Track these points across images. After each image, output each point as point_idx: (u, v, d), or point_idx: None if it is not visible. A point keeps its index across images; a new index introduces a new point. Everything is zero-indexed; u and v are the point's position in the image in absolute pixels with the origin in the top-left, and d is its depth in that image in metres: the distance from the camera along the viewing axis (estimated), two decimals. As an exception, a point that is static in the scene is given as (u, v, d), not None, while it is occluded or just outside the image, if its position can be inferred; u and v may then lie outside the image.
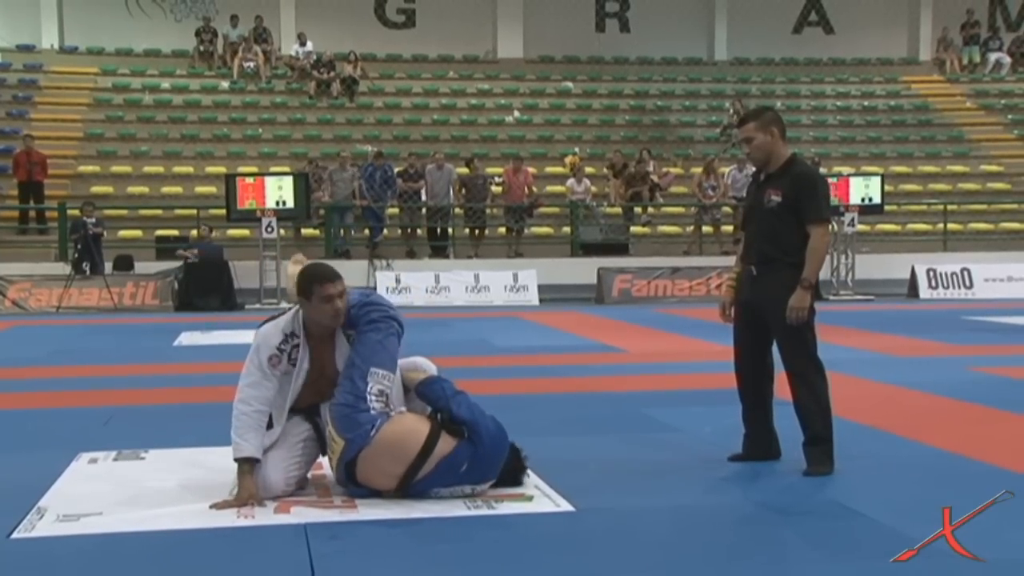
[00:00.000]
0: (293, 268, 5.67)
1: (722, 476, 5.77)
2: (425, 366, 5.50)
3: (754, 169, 6.10)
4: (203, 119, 24.56)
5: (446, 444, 5.05)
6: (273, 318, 5.30)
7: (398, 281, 18.97)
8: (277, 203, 18.18)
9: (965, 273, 20.05)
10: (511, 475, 5.29)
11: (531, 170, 22.05)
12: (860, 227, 19.88)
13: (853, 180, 20.21)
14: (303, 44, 26.13)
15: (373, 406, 5.01)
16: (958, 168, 25.42)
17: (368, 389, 5.02)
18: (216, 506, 4.98)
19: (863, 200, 19.71)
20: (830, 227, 5.93)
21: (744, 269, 5.98)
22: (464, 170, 21.27)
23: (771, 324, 5.78)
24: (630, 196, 21.82)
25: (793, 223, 5.73)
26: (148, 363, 11.03)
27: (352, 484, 5.13)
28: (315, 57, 25.93)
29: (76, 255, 18.02)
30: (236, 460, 5.09)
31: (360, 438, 4.99)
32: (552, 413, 7.65)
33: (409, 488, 5.06)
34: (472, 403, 5.20)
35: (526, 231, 21.39)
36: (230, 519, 4.86)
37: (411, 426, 5.08)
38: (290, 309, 5.32)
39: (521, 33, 28.69)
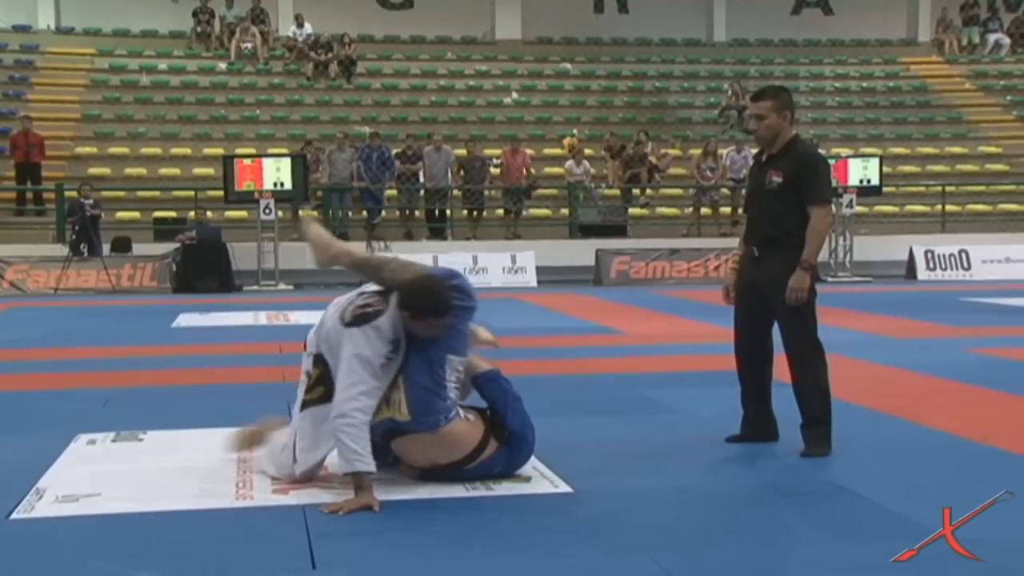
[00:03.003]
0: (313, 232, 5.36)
1: (720, 457, 5.78)
2: (484, 342, 5.50)
3: (755, 151, 6.09)
4: (200, 100, 24.50)
5: (491, 449, 5.10)
6: (369, 316, 4.89)
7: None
8: (275, 185, 18.15)
9: (963, 255, 20.06)
10: None
11: (529, 152, 22.04)
12: (858, 209, 19.86)
13: (851, 162, 20.19)
14: (300, 26, 26.03)
15: (450, 395, 4.97)
16: (957, 149, 25.40)
17: (447, 377, 4.95)
18: (329, 509, 4.67)
19: (861, 182, 19.69)
20: (831, 208, 5.92)
21: (746, 251, 5.98)
22: (462, 152, 21.24)
23: (772, 305, 5.78)
24: (628, 178, 21.80)
25: (794, 204, 5.72)
26: (146, 345, 11.02)
27: (382, 442, 4.96)
28: (313, 38, 25.84)
29: (74, 237, 17.98)
30: (356, 473, 4.72)
31: (429, 425, 4.93)
32: (550, 395, 7.63)
33: (435, 477, 5.08)
34: (523, 411, 5.21)
35: (524, 213, 21.37)
36: (228, 500, 4.88)
37: (470, 429, 5.07)
38: (380, 303, 4.95)
39: (519, 14, 28.60)
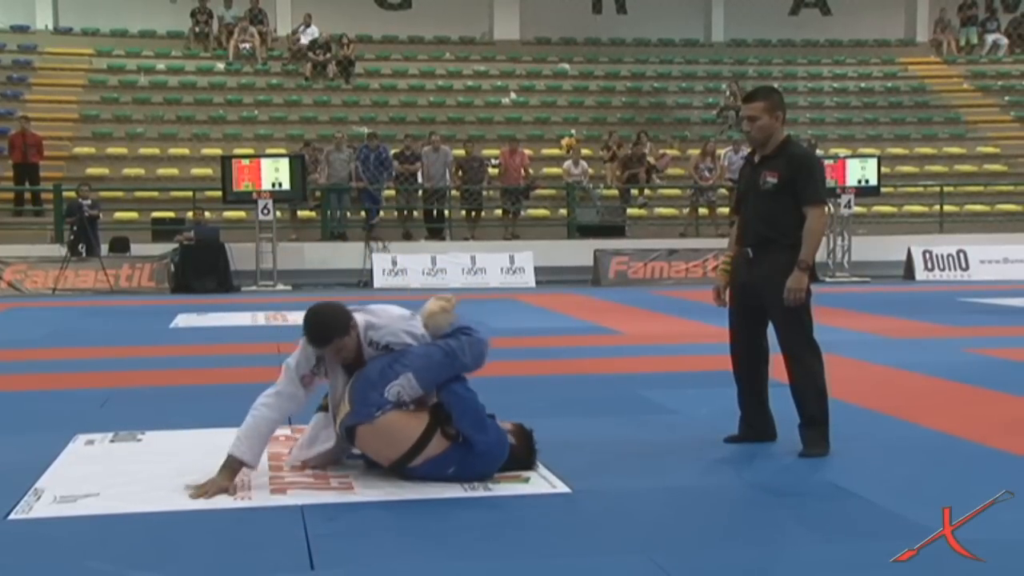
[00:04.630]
0: (432, 306, 5.41)
1: (718, 458, 5.78)
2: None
3: (746, 150, 6.13)
4: (199, 101, 24.49)
5: (438, 445, 5.06)
6: None
7: (394, 263, 18.96)
8: (273, 185, 18.15)
9: (961, 255, 20.07)
10: (522, 461, 5.29)
11: (527, 152, 22.04)
12: (856, 209, 19.88)
13: (850, 162, 20.20)
14: (307, 25, 25.96)
15: (388, 397, 5.03)
16: (955, 150, 25.41)
17: (397, 381, 5.03)
18: (188, 490, 4.95)
19: (859, 182, 19.70)
20: (827, 209, 5.91)
21: (739, 251, 5.97)
22: (460, 152, 21.24)
23: (768, 306, 5.78)
24: (626, 178, 21.80)
25: (789, 204, 5.73)
26: (144, 345, 11.01)
27: (349, 444, 5.25)
28: (311, 39, 25.82)
29: (72, 237, 17.98)
30: (230, 455, 5.03)
31: (363, 416, 5.04)
32: (548, 395, 7.66)
33: (400, 471, 5.10)
34: (477, 413, 5.12)
35: (522, 213, 21.36)
36: (227, 500, 4.87)
37: (406, 422, 5.07)
38: None
39: (517, 15, 28.60)
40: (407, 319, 5.26)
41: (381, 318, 5.22)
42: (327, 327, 5.11)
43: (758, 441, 5.95)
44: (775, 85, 27.57)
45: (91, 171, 21.39)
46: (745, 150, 21.25)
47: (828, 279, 18.90)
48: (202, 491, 4.91)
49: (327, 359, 5.20)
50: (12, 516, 4.66)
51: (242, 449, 5.01)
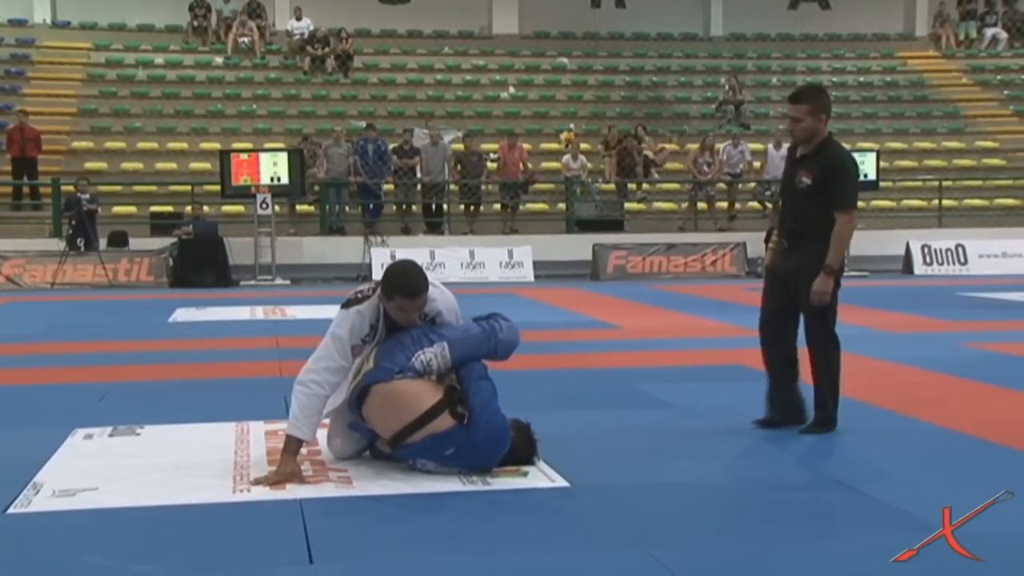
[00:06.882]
0: None
1: (717, 451, 5.78)
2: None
3: (754, 145, 6.26)
4: (197, 95, 24.46)
5: (443, 422, 5.05)
6: (358, 299, 5.23)
7: (393, 258, 18.90)
8: (272, 179, 18.15)
9: (960, 249, 20.07)
10: (522, 455, 5.28)
11: (526, 146, 22.01)
12: (855, 203, 19.83)
13: (848, 156, 20.16)
14: (298, 19, 25.96)
15: (413, 363, 5.08)
16: (953, 144, 25.39)
17: (432, 348, 5.10)
18: (256, 481, 5.02)
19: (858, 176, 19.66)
20: (854, 214, 6.06)
21: (780, 241, 6.19)
22: (459, 146, 21.22)
23: (798, 295, 5.99)
24: (620, 171, 21.74)
25: (821, 205, 5.90)
26: (143, 339, 11.01)
27: (356, 412, 5.24)
28: (310, 33, 25.79)
29: (70, 231, 17.97)
30: (289, 436, 5.11)
31: (384, 373, 5.08)
32: (547, 389, 7.65)
33: (398, 448, 5.12)
34: (489, 396, 5.14)
35: (521, 207, 21.36)
36: (226, 494, 4.87)
37: (421, 391, 5.09)
38: (370, 291, 5.25)
39: (516, 9, 28.57)
40: (456, 306, 5.41)
41: (443, 293, 5.35)
42: (424, 277, 5.17)
43: (787, 425, 6.02)
44: (773, 79, 27.41)
45: (89, 165, 21.37)
46: (744, 144, 21.37)
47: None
48: (271, 479, 4.98)
49: (381, 325, 5.20)
50: (11, 510, 4.66)
51: (302, 429, 5.09)
